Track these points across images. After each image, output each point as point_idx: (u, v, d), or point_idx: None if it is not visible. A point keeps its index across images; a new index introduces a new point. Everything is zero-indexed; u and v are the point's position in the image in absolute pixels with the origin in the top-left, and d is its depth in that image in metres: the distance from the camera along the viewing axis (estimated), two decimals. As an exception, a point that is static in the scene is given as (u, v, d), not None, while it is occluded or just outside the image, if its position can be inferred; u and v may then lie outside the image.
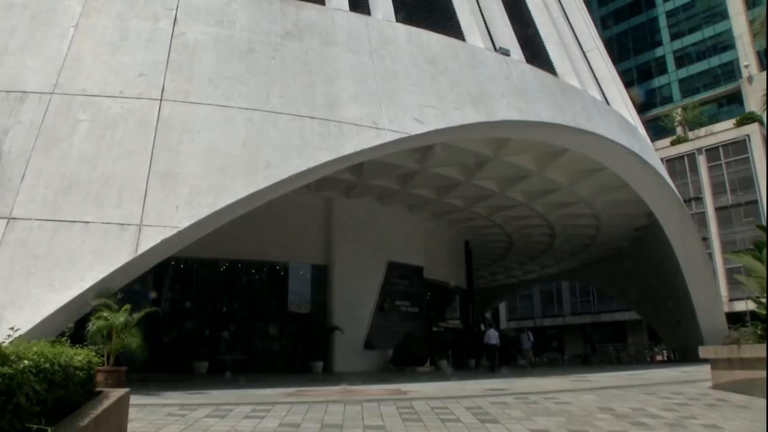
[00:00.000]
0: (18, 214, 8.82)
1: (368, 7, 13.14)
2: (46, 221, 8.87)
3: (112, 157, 9.63)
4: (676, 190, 22.80)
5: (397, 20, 13.12)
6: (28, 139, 9.62)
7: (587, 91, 17.71)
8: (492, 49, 14.65)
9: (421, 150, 15.16)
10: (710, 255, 36.56)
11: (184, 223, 9.09)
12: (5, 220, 8.70)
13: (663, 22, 57.14)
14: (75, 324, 9.55)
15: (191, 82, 10.55)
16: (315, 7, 12.25)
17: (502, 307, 54.53)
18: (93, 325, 8.08)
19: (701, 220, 41.06)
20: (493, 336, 19.46)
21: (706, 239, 38.75)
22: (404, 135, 11.18)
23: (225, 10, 11.42)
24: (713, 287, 26.03)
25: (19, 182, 9.17)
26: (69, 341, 3.85)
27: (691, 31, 54.62)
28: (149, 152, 9.71)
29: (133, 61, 10.63)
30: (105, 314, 8.17)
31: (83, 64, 10.61)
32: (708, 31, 53.19)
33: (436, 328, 24.05)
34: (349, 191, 18.91)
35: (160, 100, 10.22)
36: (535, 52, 16.75)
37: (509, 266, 33.97)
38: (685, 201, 28.55)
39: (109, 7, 11.30)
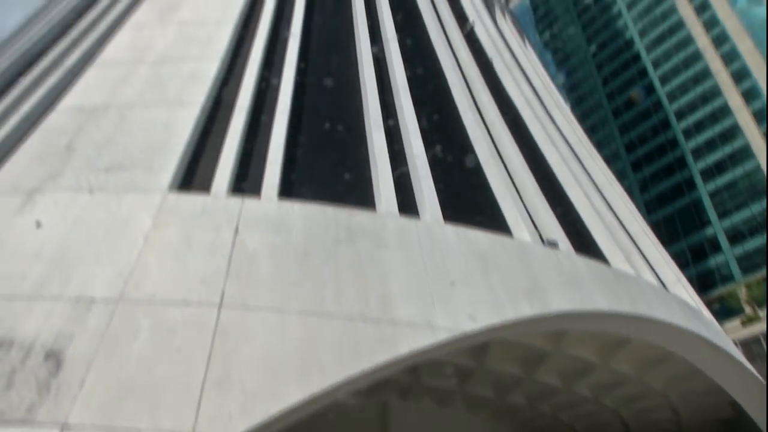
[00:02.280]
0: (73, 420, 8.76)
1: (417, 210, 13.88)
2: (100, 429, 8.76)
3: (169, 363, 9.72)
4: (759, 376, 21.18)
5: (445, 220, 13.67)
6: (91, 345, 9.87)
7: (642, 277, 17.47)
8: (540, 242, 14.90)
9: (478, 347, 14.87)
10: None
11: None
12: (59, 427, 8.64)
13: (708, 202, 57.83)
14: None
15: (249, 287, 10.93)
16: (366, 213, 12.98)
17: None
18: None
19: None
20: None
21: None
22: (459, 333, 11.03)
23: (283, 219, 12.18)
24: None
25: (77, 388, 9.24)
26: None
27: (739, 208, 54.90)
28: (206, 358, 9.79)
29: (196, 269, 11.18)
30: None
31: (149, 272, 11.20)
32: (756, 208, 53.29)
33: None
34: (406, 394, 18.38)
35: (220, 305, 10.54)
36: (582, 241, 16.95)
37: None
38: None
39: (177, 220, 12.19)
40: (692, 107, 62.44)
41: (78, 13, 22.34)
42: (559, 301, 13.28)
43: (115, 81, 16.87)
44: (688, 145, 61.43)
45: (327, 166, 15.52)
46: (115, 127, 15.07)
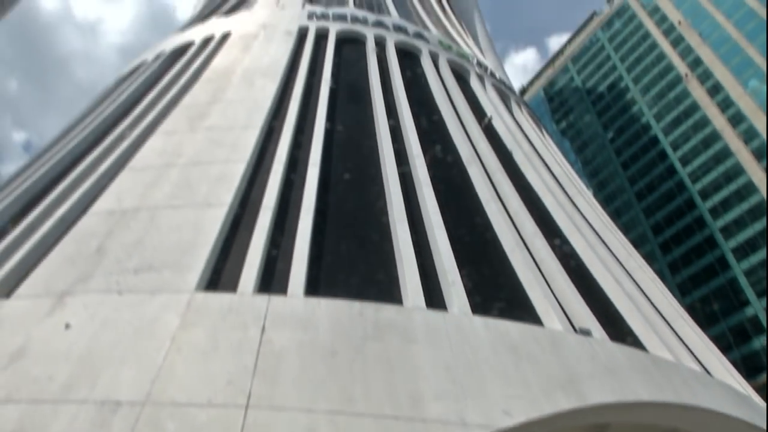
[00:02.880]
0: None
1: (444, 302, 13.75)
2: None
3: (193, 471, 9.43)
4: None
5: (473, 312, 13.47)
6: (116, 450, 9.67)
7: (683, 363, 16.75)
8: (572, 330, 14.52)
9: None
10: None
11: None
12: None
13: (744, 281, 56.23)
14: None
15: (276, 387, 10.73)
16: (393, 308, 12.89)
17: None
18: None
19: None
20: None
21: None
22: (493, 430, 10.58)
23: (310, 316, 12.13)
24: None
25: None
26: None
27: (778, 285, 53.26)
28: (232, 462, 9.49)
29: (222, 369, 11.06)
30: None
31: (176, 374, 11.10)
32: (796, 284, 51.73)
33: None
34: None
35: (246, 406, 10.32)
36: (616, 328, 16.47)
37: None
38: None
39: (204, 320, 12.20)
40: (716, 186, 62.22)
41: (113, 122, 23.58)
42: (598, 392, 12.74)
43: (145, 185, 17.50)
44: (717, 224, 60.66)
45: (352, 261, 15.59)
46: (145, 228, 15.49)
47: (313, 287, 13.75)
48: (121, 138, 20.72)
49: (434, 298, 13.97)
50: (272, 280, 13.83)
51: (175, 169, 18.06)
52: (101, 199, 17.10)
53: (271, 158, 18.68)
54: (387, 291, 14.32)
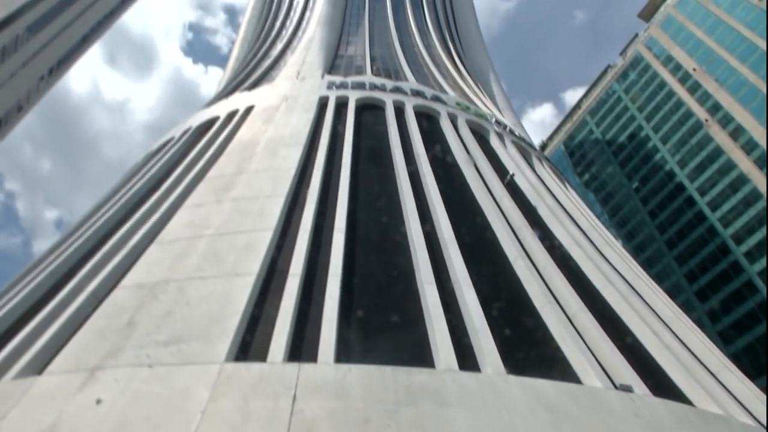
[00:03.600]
0: None
1: (476, 363, 13.43)
2: None
3: None
4: None
5: (507, 372, 13.12)
6: None
7: (733, 417, 15.95)
8: (612, 386, 14.01)
9: None
10: None
11: None
12: None
13: (790, 325, 54.11)
14: None
15: (309, 459, 10.47)
16: (425, 371, 12.64)
17: None
18: None
19: None
20: None
21: None
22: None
23: (341, 384, 11.93)
24: None
25: None
26: None
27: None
28: None
29: (254, 441, 10.86)
30: None
31: (207, 449, 10.92)
32: None
33: None
34: None
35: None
36: (658, 382, 15.84)
37: None
38: None
39: (234, 391, 12.07)
40: (749, 230, 60.85)
41: (142, 197, 24.21)
42: (644, 453, 12.17)
43: (174, 257, 17.75)
44: (754, 268, 58.95)
45: (382, 324, 15.44)
46: (174, 300, 15.61)
47: (344, 353, 13.59)
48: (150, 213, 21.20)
49: (466, 358, 13.67)
50: (302, 347, 13.72)
51: (203, 240, 18.33)
52: (131, 273, 17.36)
53: (296, 225, 18.88)
54: (418, 353, 14.08)
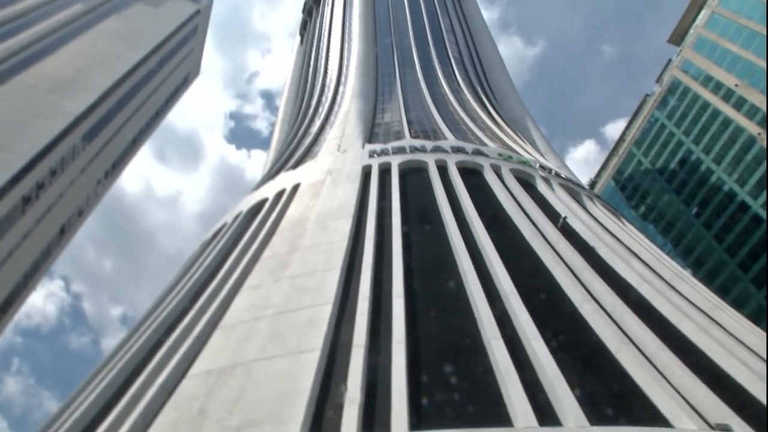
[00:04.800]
0: None
1: (556, 417, 12.82)
2: None
3: None
4: None
5: (591, 424, 12.44)
6: None
7: None
8: (707, 428, 13.08)
9: None
10: None
11: None
12: None
13: None
14: None
15: None
16: (503, 431, 12.12)
17: None
18: None
19: None
20: None
21: None
22: None
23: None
24: None
25: None
26: None
27: None
28: None
29: None
30: None
31: None
32: None
33: None
34: None
35: None
36: (760, 419, 14.69)
37: None
38: None
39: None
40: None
41: (202, 284, 24.76)
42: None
43: (238, 340, 17.93)
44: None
45: (452, 387, 14.98)
46: (242, 384, 15.64)
47: (417, 421, 13.22)
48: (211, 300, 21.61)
49: (545, 414, 13.06)
50: (374, 420, 13.43)
51: (265, 321, 18.52)
52: (198, 361, 17.57)
53: (355, 296, 18.88)
54: (494, 413, 13.55)
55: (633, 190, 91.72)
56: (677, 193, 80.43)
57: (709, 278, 70.26)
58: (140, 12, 65.07)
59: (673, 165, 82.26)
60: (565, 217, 26.27)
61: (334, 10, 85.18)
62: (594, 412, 13.06)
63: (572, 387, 13.75)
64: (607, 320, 17.57)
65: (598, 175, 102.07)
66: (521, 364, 15.11)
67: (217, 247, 28.37)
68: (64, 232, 47.82)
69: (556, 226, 25.13)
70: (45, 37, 52.88)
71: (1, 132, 37.58)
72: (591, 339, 16.89)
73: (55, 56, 49.78)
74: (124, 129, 55.02)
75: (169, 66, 65.83)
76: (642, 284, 20.86)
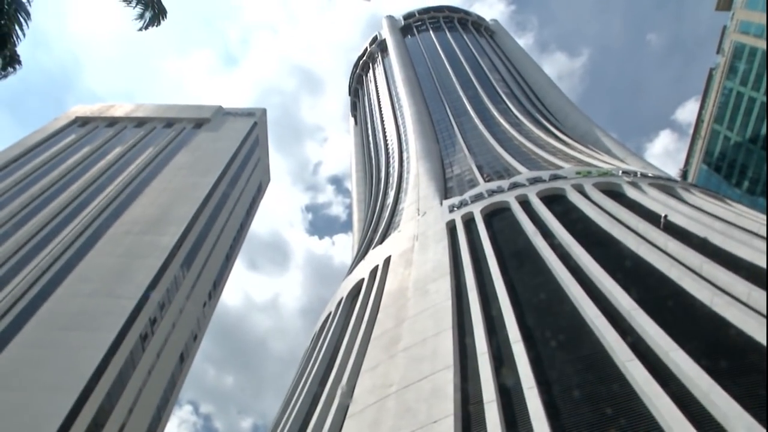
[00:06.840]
0: None
1: (722, 427, 11.69)
2: None
3: None
4: None
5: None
6: None
7: None
8: None
9: None
10: None
11: None
12: None
13: None
14: None
15: None
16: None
17: None
18: None
19: None
20: None
21: None
22: None
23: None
24: None
25: None
26: None
27: None
28: None
29: None
30: None
31: None
32: None
33: None
34: None
35: None
36: None
37: None
38: None
39: None
40: None
41: (321, 379, 24.98)
42: None
43: (369, 425, 17.76)
44: None
45: (596, 420, 14.00)
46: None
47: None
48: (335, 394, 21.73)
49: (705, 427, 11.91)
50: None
51: (390, 399, 18.34)
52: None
53: (473, 352, 18.44)
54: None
55: (729, 168, 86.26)
56: (780, 158, 74.86)
57: None
58: (204, 139, 69.64)
59: (764, 129, 77.10)
60: (666, 216, 24.93)
61: (378, 83, 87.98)
62: (761, 418, 11.80)
63: (740, 404, 12.30)
64: (745, 310, 16.13)
65: (687, 163, 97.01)
66: (664, 379, 14.03)
67: (328, 338, 28.75)
68: (183, 359, 50.08)
69: (659, 228, 23.85)
70: (128, 185, 57.58)
71: (107, 281, 40.50)
72: (734, 337, 15.52)
73: (140, 200, 53.86)
74: (215, 248, 58.00)
75: (242, 180, 69.52)
76: (774, 262, 19.16)
